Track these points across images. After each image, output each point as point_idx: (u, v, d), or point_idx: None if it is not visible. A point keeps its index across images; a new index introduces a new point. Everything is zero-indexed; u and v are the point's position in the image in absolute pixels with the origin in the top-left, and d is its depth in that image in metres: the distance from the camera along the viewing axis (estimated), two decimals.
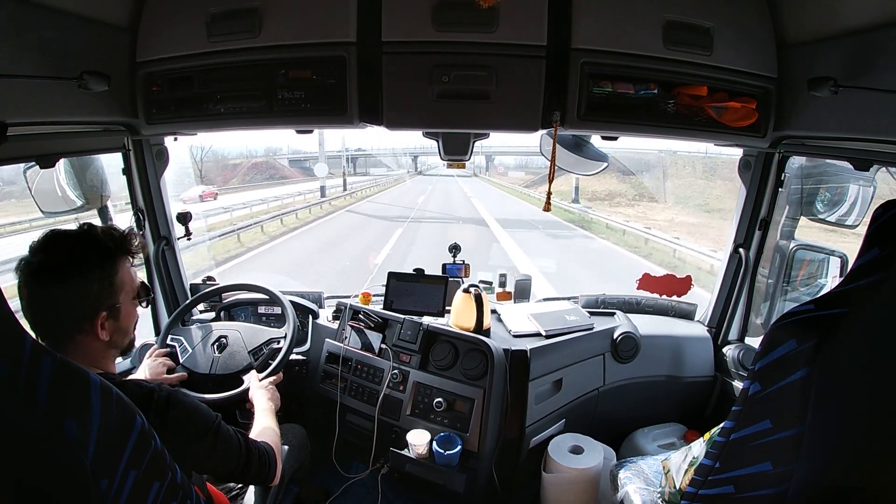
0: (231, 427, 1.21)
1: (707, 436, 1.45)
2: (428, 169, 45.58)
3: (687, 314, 2.34)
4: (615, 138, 1.78)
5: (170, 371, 1.75)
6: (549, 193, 1.68)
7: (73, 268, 1.04)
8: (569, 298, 2.39)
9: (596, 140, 1.94)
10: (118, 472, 0.84)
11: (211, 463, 1.17)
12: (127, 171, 1.88)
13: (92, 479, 0.81)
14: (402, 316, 2.04)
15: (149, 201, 1.95)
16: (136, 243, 1.16)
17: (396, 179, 38.97)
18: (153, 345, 1.85)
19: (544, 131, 1.71)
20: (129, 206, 1.96)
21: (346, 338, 2.09)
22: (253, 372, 1.69)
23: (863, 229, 0.88)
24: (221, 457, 1.16)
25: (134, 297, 1.17)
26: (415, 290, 2.13)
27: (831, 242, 1.90)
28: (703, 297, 2.32)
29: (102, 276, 1.08)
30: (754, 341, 2.14)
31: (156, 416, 1.04)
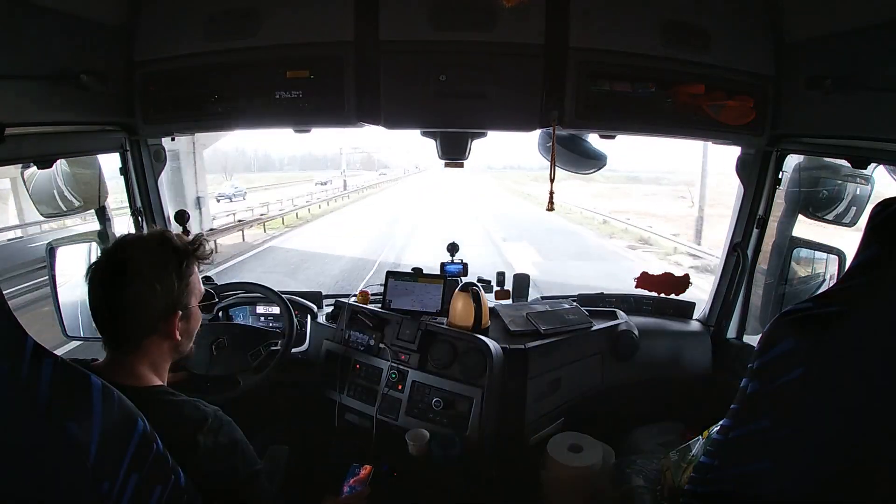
0: (271, 487, 1.18)
1: (706, 434, 1.45)
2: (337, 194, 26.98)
3: (685, 312, 2.34)
4: (613, 137, 1.78)
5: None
6: (552, 193, 1.68)
7: (155, 268, 1.08)
8: (567, 297, 2.39)
9: (593, 139, 1.94)
10: (119, 475, 0.84)
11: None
12: (124, 171, 1.87)
13: (93, 482, 0.80)
14: (401, 315, 2.04)
15: (146, 201, 1.95)
16: (205, 249, 1.20)
17: None
18: None
19: (542, 130, 1.71)
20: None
21: (344, 337, 2.09)
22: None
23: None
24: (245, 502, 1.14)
25: (201, 303, 1.20)
26: (413, 290, 2.13)
27: None
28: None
29: (180, 277, 1.11)
30: (752, 339, 2.14)
31: (205, 437, 1.05)
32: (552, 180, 1.66)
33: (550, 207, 1.70)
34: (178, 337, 1.11)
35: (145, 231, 1.49)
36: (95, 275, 1.06)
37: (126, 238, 1.14)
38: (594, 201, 22.06)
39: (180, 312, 1.11)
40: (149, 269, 1.07)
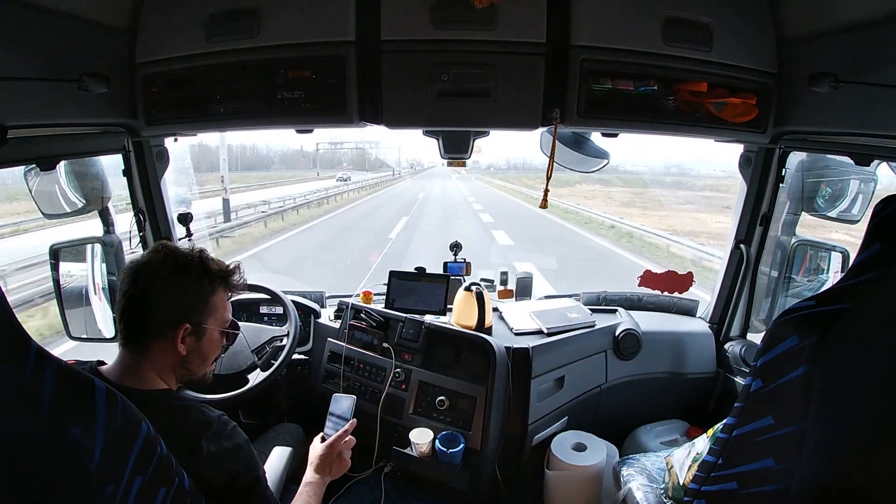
0: (271, 492, 1.18)
1: (710, 432, 1.45)
2: None
3: (688, 311, 2.34)
4: (615, 135, 1.78)
5: None
6: (547, 190, 1.68)
7: (172, 274, 1.09)
8: (570, 296, 2.39)
9: (596, 137, 1.94)
10: (124, 478, 0.84)
11: None
12: (127, 172, 1.88)
13: (97, 485, 0.80)
14: (404, 315, 2.04)
15: (149, 202, 1.95)
16: (238, 279, 1.20)
17: None
18: None
19: (544, 129, 1.71)
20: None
21: (348, 337, 2.09)
22: (317, 439, 1.52)
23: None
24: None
25: (222, 330, 1.19)
26: (416, 289, 2.13)
27: None
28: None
29: (198, 292, 1.12)
30: (756, 337, 2.14)
31: (208, 443, 1.05)
32: (548, 178, 1.67)
33: (544, 205, 1.70)
34: (183, 352, 1.10)
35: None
36: (128, 268, 1.11)
37: (166, 243, 1.16)
38: (624, 211, 18.12)
39: (189, 326, 1.10)
40: (167, 272, 1.09)
